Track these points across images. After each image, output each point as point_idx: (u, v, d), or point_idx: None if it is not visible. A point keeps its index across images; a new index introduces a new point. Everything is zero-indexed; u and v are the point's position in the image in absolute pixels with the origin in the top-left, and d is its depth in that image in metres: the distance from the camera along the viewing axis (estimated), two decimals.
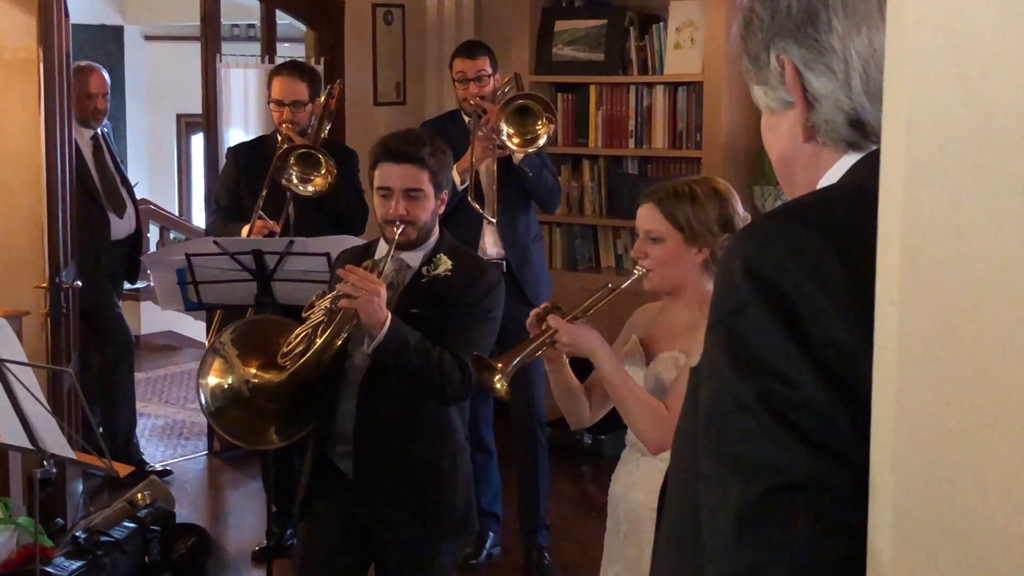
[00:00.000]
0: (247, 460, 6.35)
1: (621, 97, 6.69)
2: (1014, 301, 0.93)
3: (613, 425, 3.29)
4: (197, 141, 12.01)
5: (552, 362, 3.06)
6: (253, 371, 3.75)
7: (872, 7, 1.22)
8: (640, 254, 3.04)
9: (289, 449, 4.68)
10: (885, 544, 0.99)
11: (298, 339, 3.51)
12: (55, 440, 3.67)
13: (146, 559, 4.82)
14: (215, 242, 4.48)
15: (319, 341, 3.42)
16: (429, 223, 3.51)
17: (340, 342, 3.42)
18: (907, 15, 0.96)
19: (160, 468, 6.30)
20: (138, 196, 6.80)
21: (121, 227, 6.30)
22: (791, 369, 1.08)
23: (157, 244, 9.66)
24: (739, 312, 1.12)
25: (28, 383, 3.55)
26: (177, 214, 11.51)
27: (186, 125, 12.59)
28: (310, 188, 4.98)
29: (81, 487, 5.56)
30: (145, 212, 8.05)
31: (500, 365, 3.01)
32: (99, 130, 6.31)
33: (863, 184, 1.12)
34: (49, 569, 4.47)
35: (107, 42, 11.56)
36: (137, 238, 6.49)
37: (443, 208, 3.58)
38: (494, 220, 5.02)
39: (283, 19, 7.12)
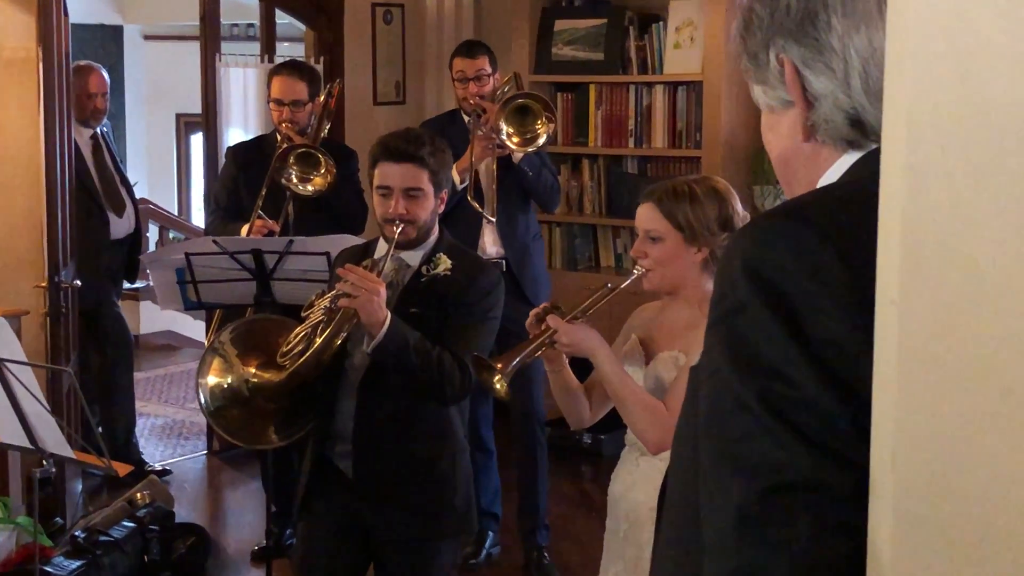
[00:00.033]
0: (246, 460, 6.35)
1: (621, 96, 6.69)
2: (1014, 300, 0.93)
3: (613, 425, 3.29)
4: (196, 140, 12.01)
5: (552, 362, 3.06)
6: (252, 370, 3.75)
7: (871, 6, 1.22)
8: (639, 254, 3.04)
9: (288, 449, 4.68)
10: (885, 543, 0.99)
11: (297, 338, 3.51)
12: (54, 439, 3.67)
13: (145, 559, 4.82)
14: (214, 241, 4.48)
15: (318, 340, 3.42)
16: (429, 222, 3.51)
17: (340, 341, 3.42)
18: (907, 14, 0.96)
19: (159, 468, 6.30)
20: (137, 195, 6.80)
21: (120, 226, 6.30)
22: (791, 368, 1.08)
23: (156, 243, 9.65)
24: (739, 311, 1.12)
25: (27, 382, 3.55)
26: (176, 213, 11.51)
27: (185, 124, 12.59)
28: (309, 187, 4.98)
29: (80, 487, 5.56)
30: (144, 211, 8.05)
31: (500, 365, 3.01)
32: (98, 130, 6.31)
33: (863, 183, 1.12)
34: (48, 568, 4.47)
35: (106, 41, 11.56)
36: (136, 237, 6.49)
37: (443, 207, 3.58)
38: (493, 219, 5.02)
39: (282, 18, 7.12)
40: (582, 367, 3.02)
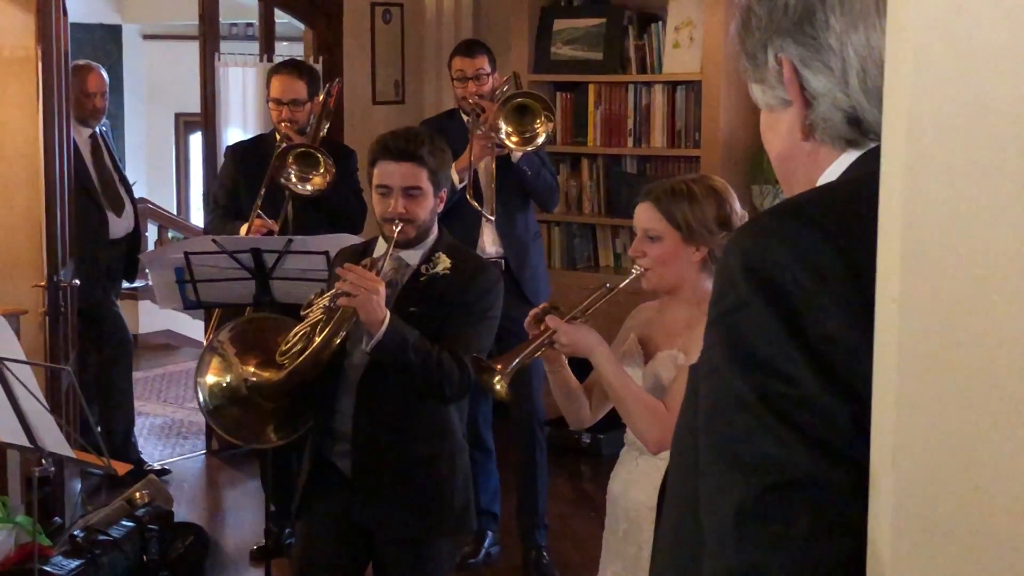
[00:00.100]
0: (245, 459, 6.35)
1: (620, 96, 6.69)
2: (1015, 298, 0.93)
3: (612, 424, 3.29)
4: (195, 140, 11.99)
5: (551, 362, 3.06)
6: (251, 369, 3.76)
7: (869, 5, 1.22)
8: (638, 253, 3.04)
9: (287, 448, 4.67)
10: (885, 541, 0.99)
11: (296, 337, 3.51)
12: (53, 439, 3.67)
13: (144, 558, 4.82)
14: (214, 241, 4.48)
15: (318, 339, 3.42)
16: (428, 221, 3.51)
17: (339, 340, 3.42)
18: (908, 13, 0.96)
19: (158, 467, 6.30)
20: (136, 195, 6.80)
21: (119, 226, 6.30)
22: (791, 366, 1.08)
23: (155, 243, 9.65)
24: (739, 309, 1.12)
25: (27, 381, 3.55)
26: (175, 213, 11.51)
27: (184, 124, 12.59)
28: (309, 187, 4.98)
29: (79, 486, 5.56)
30: (143, 211, 8.05)
31: (499, 366, 3.01)
32: (97, 129, 6.31)
33: (863, 181, 1.12)
34: (47, 568, 4.47)
35: (105, 41, 11.56)
36: (135, 237, 6.49)
37: (442, 206, 3.58)
38: (493, 218, 5.02)
39: (282, 18, 7.12)
40: (582, 367, 3.02)
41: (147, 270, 5.83)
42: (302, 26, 7.30)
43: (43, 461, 3.86)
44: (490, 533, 5.22)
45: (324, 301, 3.44)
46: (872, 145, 1.24)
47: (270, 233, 4.88)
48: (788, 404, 1.07)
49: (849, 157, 1.27)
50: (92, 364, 6.17)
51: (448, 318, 3.44)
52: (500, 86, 5.19)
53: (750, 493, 1.08)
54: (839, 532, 1.05)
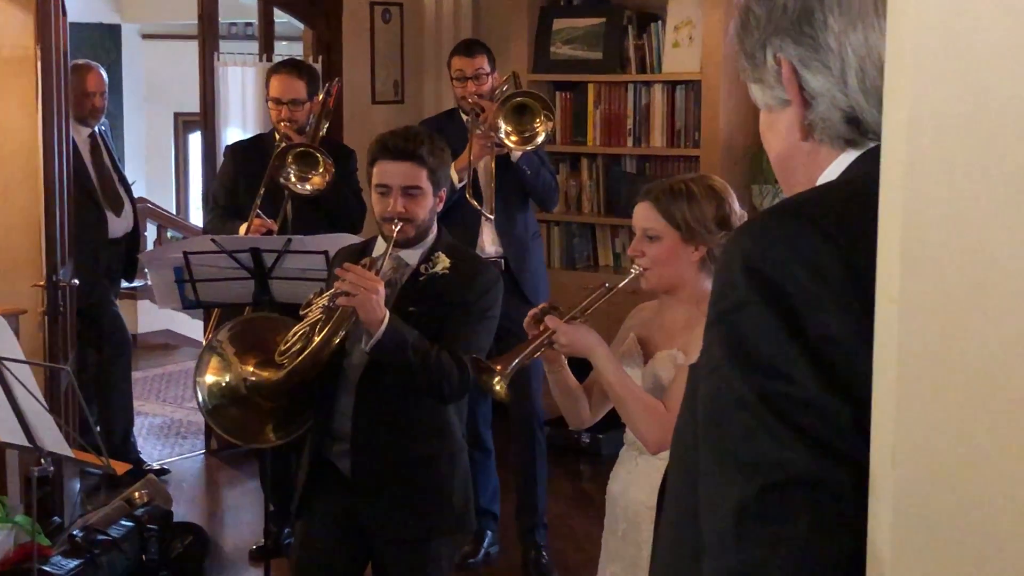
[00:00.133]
0: (245, 459, 6.35)
1: (619, 95, 6.69)
2: (1015, 298, 0.93)
3: (611, 424, 3.29)
4: (195, 139, 11.98)
5: (551, 363, 3.06)
6: (250, 369, 3.75)
7: (867, 5, 1.22)
8: (637, 253, 3.04)
9: (287, 447, 4.67)
10: (885, 541, 0.99)
11: (296, 337, 3.51)
12: (53, 438, 3.67)
13: (143, 558, 4.82)
14: (213, 240, 4.48)
15: (317, 339, 3.42)
16: (427, 221, 3.50)
17: (338, 340, 3.42)
18: (907, 12, 0.95)
19: (157, 467, 6.29)
20: (135, 194, 6.80)
21: (118, 225, 6.30)
22: (790, 366, 1.08)
23: (155, 242, 9.65)
24: (738, 309, 1.12)
25: (26, 381, 3.55)
26: (175, 212, 11.51)
27: (184, 123, 12.59)
28: (308, 187, 4.98)
29: (78, 486, 5.56)
30: (143, 210, 8.05)
31: (499, 367, 3.01)
32: (97, 128, 6.31)
33: (862, 181, 1.12)
34: (46, 568, 4.46)
35: (105, 40, 11.55)
36: (134, 236, 6.49)
37: (441, 206, 3.58)
38: (492, 217, 5.02)
39: (281, 17, 7.12)
40: (581, 367, 3.02)
41: (146, 270, 5.84)
42: (301, 26, 7.30)
43: (42, 461, 3.86)
44: (489, 533, 5.22)
45: (323, 301, 3.44)
46: (871, 145, 1.25)
47: (269, 233, 4.88)
48: (788, 404, 1.08)
49: (848, 157, 1.27)
50: (91, 364, 6.17)
51: (447, 318, 3.44)
52: (499, 85, 5.19)
53: (750, 493, 1.08)
54: (839, 532, 1.05)
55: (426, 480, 3.46)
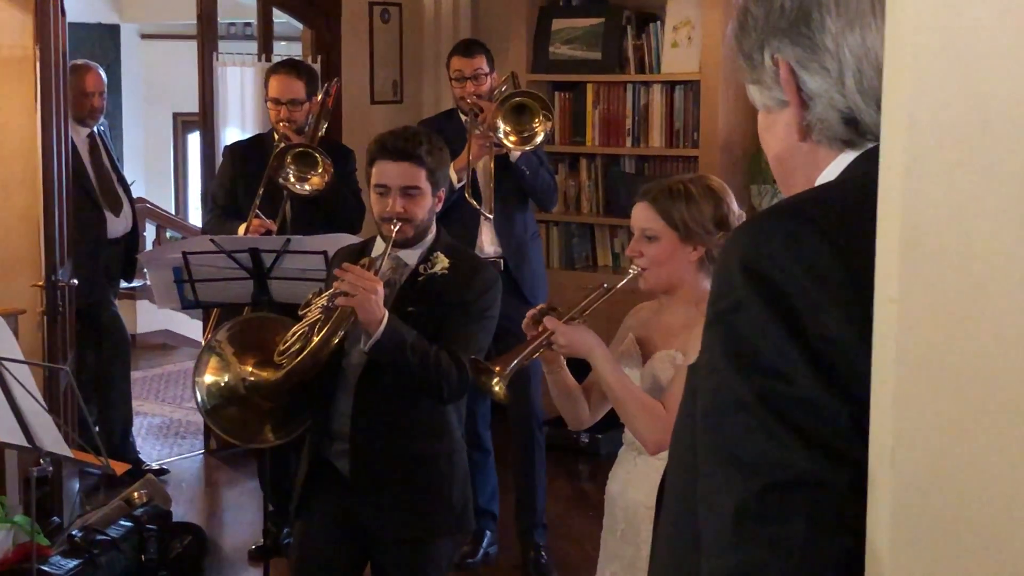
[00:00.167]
0: (244, 459, 6.35)
1: (618, 96, 6.69)
2: (1013, 297, 0.93)
3: (610, 424, 3.29)
4: (194, 139, 12.00)
5: (549, 363, 3.06)
6: (249, 369, 3.75)
7: (864, 5, 1.22)
8: (635, 253, 3.04)
9: (286, 447, 4.67)
10: (884, 541, 0.99)
11: (295, 337, 3.51)
12: (52, 438, 3.67)
13: (142, 558, 4.82)
14: (212, 240, 4.48)
15: (316, 339, 3.42)
16: (426, 221, 3.50)
17: (337, 340, 3.41)
18: (907, 12, 0.96)
19: (157, 467, 6.30)
20: (134, 194, 6.80)
21: (117, 225, 6.29)
22: (789, 366, 1.08)
23: (153, 242, 9.65)
24: (737, 309, 1.12)
25: (25, 381, 3.55)
26: (173, 212, 11.51)
27: (183, 123, 12.58)
28: (307, 187, 4.98)
29: (77, 486, 5.56)
30: (141, 210, 8.05)
31: (498, 368, 3.01)
32: (95, 128, 6.31)
33: (861, 181, 1.12)
34: (45, 568, 4.46)
35: (104, 40, 11.55)
36: (133, 236, 6.49)
37: (440, 206, 3.58)
38: (491, 216, 5.02)
39: (280, 17, 7.12)
40: (580, 368, 3.02)
41: (145, 270, 5.84)
42: (300, 26, 7.30)
43: (41, 461, 3.86)
44: (489, 532, 5.22)
45: (322, 301, 3.44)
46: (869, 146, 1.25)
47: (268, 233, 4.88)
48: (786, 404, 1.08)
49: (847, 158, 1.27)
50: (90, 364, 6.17)
51: (446, 318, 3.44)
52: (498, 86, 5.19)
53: (749, 493, 1.08)
54: (837, 532, 1.05)
55: (425, 480, 3.46)
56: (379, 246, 3.53)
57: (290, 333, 3.54)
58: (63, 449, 3.71)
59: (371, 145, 3.54)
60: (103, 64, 6.88)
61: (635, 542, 3.00)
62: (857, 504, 1.03)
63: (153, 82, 12.18)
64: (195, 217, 11.03)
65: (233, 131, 6.58)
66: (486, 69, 5.15)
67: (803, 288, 1.09)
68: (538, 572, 5.05)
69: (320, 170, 4.96)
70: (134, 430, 6.58)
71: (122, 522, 4.85)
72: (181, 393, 8.09)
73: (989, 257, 0.94)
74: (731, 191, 3.07)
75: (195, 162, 10.60)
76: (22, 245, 5.17)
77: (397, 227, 3.44)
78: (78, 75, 6.10)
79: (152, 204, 10.16)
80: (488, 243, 5.12)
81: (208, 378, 3.78)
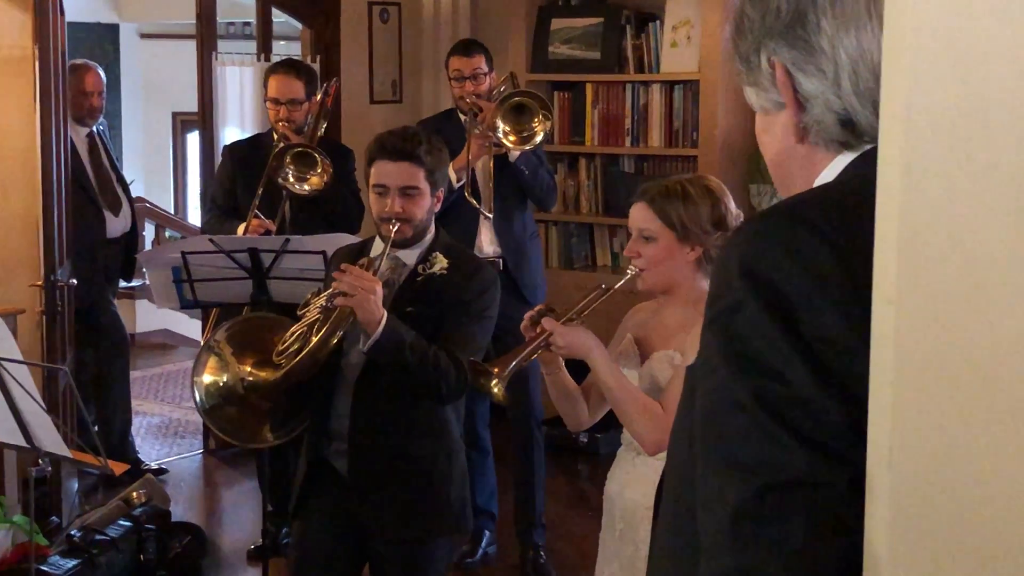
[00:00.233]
0: (243, 459, 6.35)
1: (617, 95, 6.69)
2: (1011, 299, 0.93)
3: (609, 424, 3.29)
4: (193, 139, 12.00)
5: (548, 364, 3.05)
6: (248, 369, 3.75)
7: (860, 7, 1.22)
8: (633, 253, 3.04)
9: (285, 447, 4.68)
10: (882, 542, 0.99)
11: (293, 337, 3.51)
12: (51, 438, 3.67)
13: (141, 558, 4.82)
14: (211, 240, 4.48)
15: (314, 339, 3.42)
16: (425, 221, 3.51)
17: (335, 340, 3.41)
18: (905, 13, 0.96)
19: (156, 467, 6.29)
20: (133, 194, 6.80)
21: (117, 225, 6.29)
22: (787, 367, 1.08)
23: (153, 242, 9.65)
24: (735, 310, 1.12)
25: (24, 381, 3.55)
26: (173, 212, 11.51)
27: (182, 123, 12.58)
28: (306, 187, 4.98)
29: (76, 486, 5.56)
30: (141, 210, 8.05)
31: (496, 370, 3.01)
32: (95, 128, 6.31)
33: (858, 182, 1.12)
34: (44, 568, 4.46)
35: (103, 40, 11.55)
36: (133, 236, 6.49)
37: (439, 206, 3.58)
38: (491, 216, 5.02)
39: (279, 17, 7.12)
40: (579, 368, 3.02)
41: (144, 269, 5.83)
42: (299, 25, 7.30)
43: (40, 461, 3.86)
44: (487, 532, 5.22)
45: (321, 301, 3.44)
46: (867, 147, 1.25)
47: (267, 233, 4.88)
48: (784, 405, 1.08)
49: (844, 159, 1.27)
50: (89, 363, 6.17)
51: (445, 318, 3.44)
52: (497, 85, 5.19)
53: (746, 494, 1.08)
54: (835, 532, 1.05)
55: (424, 480, 3.46)
56: (378, 246, 3.53)
57: (289, 333, 3.54)
58: (62, 449, 3.71)
59: (370, 145, 3.54)
60: (102, 64, 6.89)
61: (634, 542, 3.00)
62: (855, 505, 1.03)
63: (152, 82, 12.18)
64: (194, 217, 11.04)
65: (232, 131, 6.58)
66: (485, 69, 5.15)
67: (801, 289, 1.09)
68: (537, 572, 5.04)
69: (319, 170, 4.96)
70: (133, 430, 6.58)
71: (121, 522, 4.85)
72: (180, 393, 8.09)
73: (987, 258, 0.94)
74: (729, 191, 3.07)
75: (194, 162, 10.61)
76: (21, 245, 5.17)
77: (396, 227, 3.44)
78: (77, 75, 6.10)
79: (151, 204, 10.15)
80: (487, 243, 5.12)
81: (207, 378, 3.78)
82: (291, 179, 4.96)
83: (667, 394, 2.90)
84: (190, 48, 6.80)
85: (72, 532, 4.79)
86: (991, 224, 0.93)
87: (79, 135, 6.12)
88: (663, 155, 6.61)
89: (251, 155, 5.20)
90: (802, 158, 1.31)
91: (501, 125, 4.93)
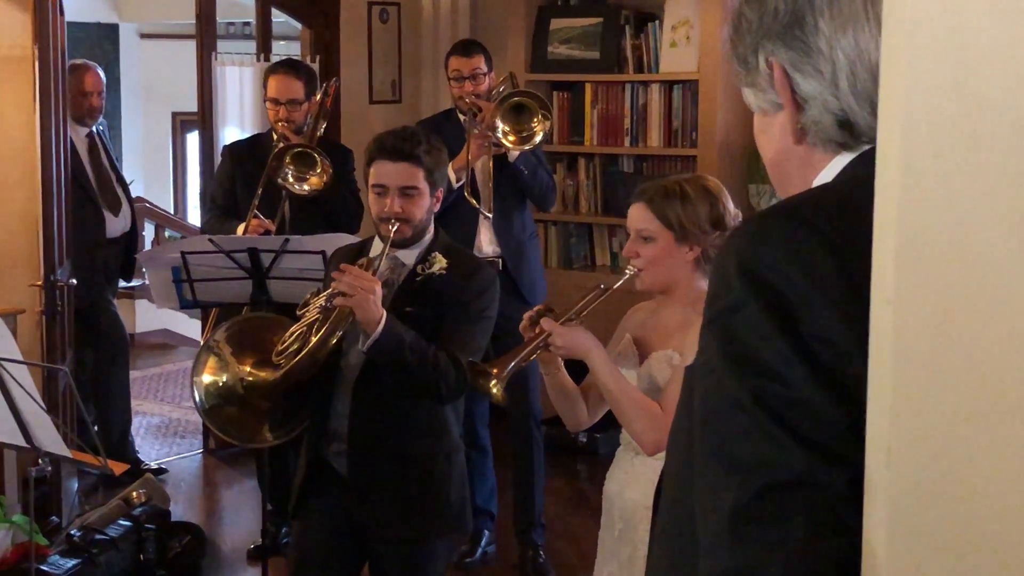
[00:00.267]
0: (242, 458, 6.35)
1: (617, 95, 6.69)
2: (1009, 299, 0.93)
3: (608, 423, 3.29)
4: (192, 139, 12.00)
5: (547, 365, 3.06)
6: (247, 369, 3.75)
7: (857, 8, 1.22)
8: (631, 253, 3.04)
9: (284, 447, 4.68)
10: (880, 542, 0.99)
11: (293, 337, 3.51)
12: (50, 438, 3.67)
13: (141, 557, 4.82)
14: (210, 240, 4.48)
15: (314, 339, 3.42)
16: (424, 221, 3.51)
17: (335, 340, 3.41)
18: (903, 14, 0.96)
19: (155, 466, 6.29)
20: (133, 194, 6.80)
21: (116, 225, 6.29)
22: (786, 367, 1.08)
23: (152, 242, 9.65)
24: (734, 310, 1.12)
25: (23, 381, 3.55)
26: (172, 212, 11.51)
27: (181, 123, 12.58)
28: (306, 187, 4.98)
29: (76, 485, 5.56)
30: (140, 210, 8.05)
31: (495, 371, 3.01)
32: (94, 128, 6.31)
33: (857, 183, 1.12)
34: (44, 567, 4.47)
35: (102, 40, 11.55)
36: (132, 236, 6.49)
37: (438, 206, 3.58)
38: (490, 215, 5.02)
39: (279, 17, 7.12)
40: (578, 368, 3.02)
41: (144, 269, 5.83)
42: (299, 25, 7.30)
43: (40, 461, 3.86)
44: (487, 532, 5.22)
45: (320, 301, 3.44)
46: (865, 148, 1.25)
47: (267, 233, 4.88)
48: (783, 405, 1.08)
49: (842, 160, 1.27)
50: (89, 363, 6.17)
51: (444, 318, 3.44)
52: (497, 86, 5.20)
53: (745, 494, 1.08)
54: (834, 532, 1.05)
55: (423, 480, 3.46)
56: (377, 246, 3.53)
57: (288, 333, 3.54)
58: (62, 449, 3.71)
59: (369, 145, 3.54)
60: (102, 63, 6.88)
61: (632, 542, 3.00)
62: (853, 505, 1.03)
63: (152, 81, 12.18)
64: (194, 217, 11.03)
65: (232, 131, 6.58)
66: (484, 69, 5.15)
67: (800, 290, 1.10)
68: (536, 571, 5.05)
69: (319, 170, 4.96)
70: (133, 430, 6.58)
71: (121, 522, 4.85)
72: (180, 392, 8.09)
73: (985, 259, 0.94)
74: (728, 191, 3.07)
75: (194, 162, 10.62)
76: (21, 245, 5.17)
77: (395, 227, 3.44)
78: (77, 75, 6.10)
79: (151, 203, 10.15)
80: (486, 243, 5.12)
81: (206, 378, 3.78)
82: (291, 179, 4.96)
83: (666, 394, 2.90)
84: (190, 48, 6.80)
85: (72, 532, 4.79)
86: (989, 224, 0.94)
87: (79, 135, 6.12)
88: (662, 155, 6.61)
89: (251, 155, 5.20)
90: (800, 159, 1.31)
91: (500, 125, 4.94)
